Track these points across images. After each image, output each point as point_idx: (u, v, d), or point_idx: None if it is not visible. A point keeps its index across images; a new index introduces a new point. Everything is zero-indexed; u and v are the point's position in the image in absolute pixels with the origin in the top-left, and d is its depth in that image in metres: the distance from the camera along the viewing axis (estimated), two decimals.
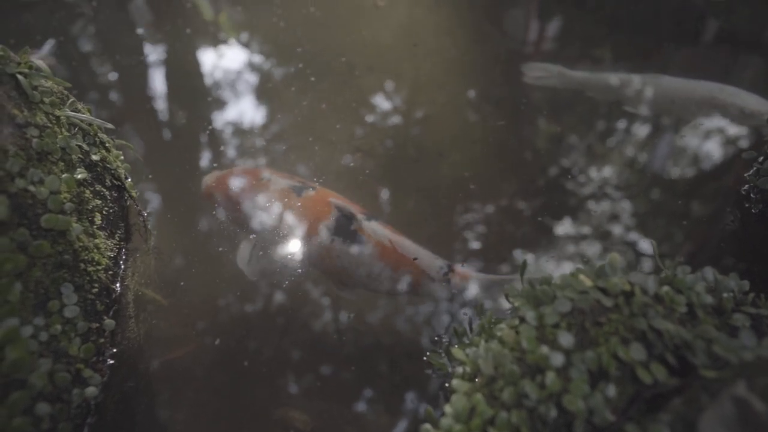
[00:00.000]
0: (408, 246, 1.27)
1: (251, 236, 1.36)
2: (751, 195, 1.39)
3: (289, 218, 1.31)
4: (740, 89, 1.73)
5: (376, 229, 1.27)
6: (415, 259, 1.26)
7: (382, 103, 1.89)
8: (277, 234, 1.32)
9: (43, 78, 1.08)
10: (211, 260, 1.36)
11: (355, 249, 1.24)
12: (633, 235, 1.41)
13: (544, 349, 0.75)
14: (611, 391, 0.71)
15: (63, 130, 1.07)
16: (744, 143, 1.68)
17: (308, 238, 1.29)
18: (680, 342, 0.73)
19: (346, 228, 1.26)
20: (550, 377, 0.73)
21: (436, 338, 1.16)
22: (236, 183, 1.42)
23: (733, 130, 1.70)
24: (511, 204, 1.52)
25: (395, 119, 1.83)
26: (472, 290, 1.22)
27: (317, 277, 1.32)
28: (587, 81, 1.91)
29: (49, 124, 1.03)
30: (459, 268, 1.24)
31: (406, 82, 2.00)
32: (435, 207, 1.53)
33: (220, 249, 1.36)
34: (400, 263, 1.24)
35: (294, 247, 1.32)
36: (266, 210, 1.34)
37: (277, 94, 1.91)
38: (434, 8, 2.42)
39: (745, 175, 1.40)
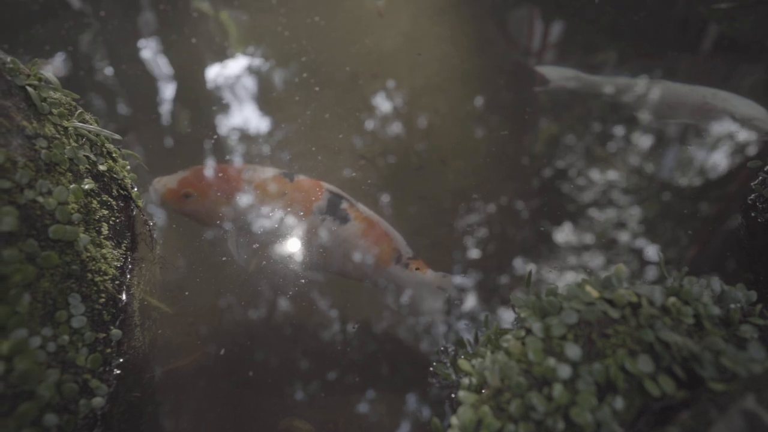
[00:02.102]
0: (386, 226, 1.35)
1: (230, 228, 1.37)
2: (758, 204, 1.39)
3: (284, 204, 1.35)
4: (733, 94, 1.73)
5: (362, 208, 1.35)
6: (416, 268, 1.28)
7: (385, 111, 1.90)
8: (273, 222, 1.35)
9: (52, 89, 1.09)
10: (216, 269, 1.36)
11: (342, 227, 1.30)
12: (637, 244, 1.41)
13: (551, 361, 0.75)
14: (619, 403, 0.71)
15: (71, 140, 1.08)
16: (750, 151, 1.68)
17: (302, 219, 1.34)
18: (688, 354, 0.73)
19: (336, 207, 1.32)
20: (558, 390, 0.72)
21: (441, 348, 1.16)
22: (221, 178, 1.42)
23: (739, 138, 1.70)
24: (513, 212, 1.52)
25: (398, 128, 1.84)
26: (421, 284, 1.28)
27: (322, 286, 1.32)
28: (601, 84, 1.92)
29: (58, 135, 1.04)
30: (419, 260, 1.31)
31: (409, 91, 2.01)
32: (438, 215, 1.53)
33: (224, 258, 1.36)
34: (380, 240, 1.30)
35: (289, 232, 1.34)
36: (260, 200, 1.37)
37: (281, 104, 1.92)
38: (437, 17, 2.43)
39: (752, 184, 1.40)
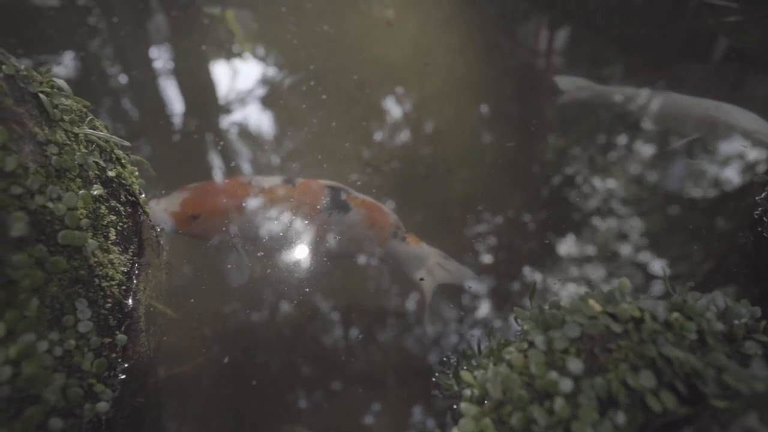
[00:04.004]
0: (381, 206, 1.46)
1: (239, 241, 1.39)
2: (764, 219, 1.38)
3: (291, 208, 1.41)
4: (736, 107, 1.73)
5: (357, 194, 1.45)
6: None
7: (391, 120, 1.91)
8: (285, 227, 1.40)
9: (64, 96, 1.11)
10: (221, 275, 1.37)
11: (346, 217, 1.40)
12: (642, 257, 1.40)
13: (553, 375, 0.75)
14: (621, 418, 0.71)
15: (81, 147, 1.09)
16: (755, 166, 1.67)
17: (310, 219, 1.41)
18: (690, 370, 0.73)
19: (338, 200, 1.41)
20: (559, 403, 0.72)
21: (444, 359, 1.16)
22: (226, 193, 1.43)
23: (745, 152, 1.70)
24: (519, 223, 1.53)
25: (405, 136, 1.85)
26: (418, 256, 1.40)
27: (327, 294, 1.33)
28: (613, 94, 1.92)
29: (68, 142, 1.05)
30: (412, 234, 1.45)
31: (417, 100, 2.02)
32: (444, 223, 1.54)
33: (230, 265, 1.37)
34: (379, 220, 1.40)
35: (302, 235, 1.39)
36: (269, 209, 1.41)
37: (289, 112, 1.94)
38: (445, 27, 2.45)
39: (757, 198, 1.39)
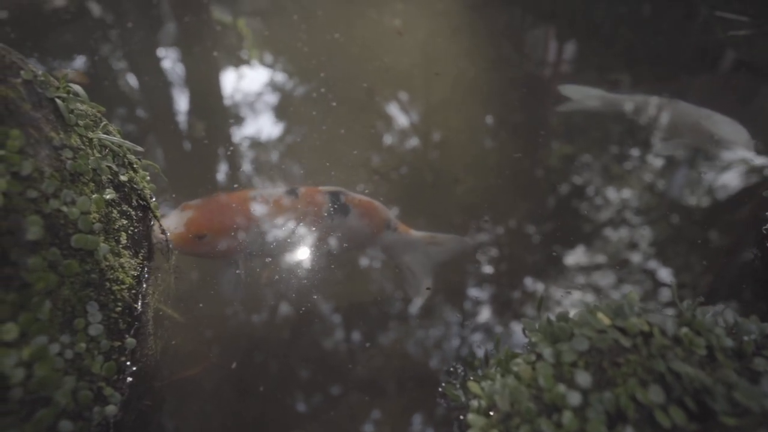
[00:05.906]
0: (375, 202, 1.53)
1: (237, 260, 1.39)
2: None
3: (296, 219, 1.45)
4: (726, 118, 1.74)
5: (353, 195, 1.52)
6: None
7: (399, 128, 1.93)
8: (291, 238, 1.42)
9: (79, 101, 1.12)
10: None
11: (347, 218, 1.46)
12: (650, 272, 1.40)
13: (561, 388, 0.75)
14: None
15: (95, 151, 1.11)
16: (764, 180, 1.67)
17: (315, 226, 1.44)
18: (700, 386, 0.72)
19: (339, 204, 1.46)
20: (567, 417, 0.72)
21: (451, 369, 1.16)
22: (231, 209, 1.41)
23: (754, 166, 1.70)
24: (525, 234, 1.53)
25: (413, 145, 1.86)
26: (409, 242, 1.50)
27: (333, 302, 1.33)
28: (623, 102, 1.94)
29: (83, 146, 1.07)
30: (401, 223, 1.54)
31: (425, 109, 2.03)
32: (450, 232, 1.54)
33: (237, 271, 1.38)
34: (374, 216, 1.49)
35: (307, 243, 1.42)
36: (274, 222, 1.43)
37: (299, 118, 1.96)
38: (454, 36, 2.47)
39: (767, 213, 1.39)
